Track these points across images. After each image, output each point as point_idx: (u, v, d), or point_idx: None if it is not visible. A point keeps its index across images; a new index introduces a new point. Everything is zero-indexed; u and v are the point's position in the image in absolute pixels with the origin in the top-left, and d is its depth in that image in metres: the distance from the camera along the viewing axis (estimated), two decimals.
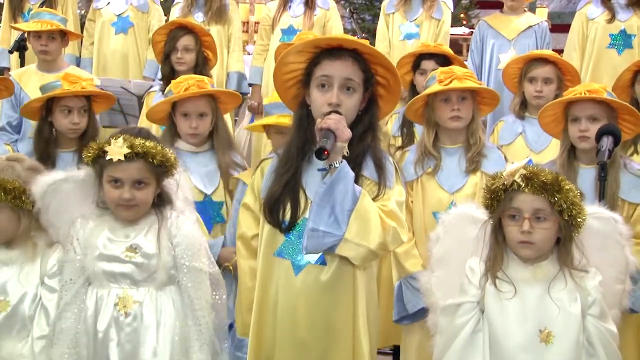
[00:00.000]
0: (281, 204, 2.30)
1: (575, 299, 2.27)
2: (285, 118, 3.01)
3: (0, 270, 2.52)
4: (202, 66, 4.20)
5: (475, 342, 2.31)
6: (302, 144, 2.33)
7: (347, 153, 2.22)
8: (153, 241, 2.47)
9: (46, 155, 3.36)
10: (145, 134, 2.51)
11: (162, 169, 2.47)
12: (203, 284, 2.50)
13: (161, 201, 2.54)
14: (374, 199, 2.26)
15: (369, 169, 2.30)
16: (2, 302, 2.49)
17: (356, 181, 2.25)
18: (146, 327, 2.43)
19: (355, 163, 2.25)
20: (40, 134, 3.42)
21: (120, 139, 2.41)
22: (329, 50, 2.30)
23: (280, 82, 2.39)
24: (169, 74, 4.09)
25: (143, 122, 4.23)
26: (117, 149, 2.40)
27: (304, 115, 2.35)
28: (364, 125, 2.32)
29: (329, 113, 2.22)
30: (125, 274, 2.44)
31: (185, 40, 4.17)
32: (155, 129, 3.85)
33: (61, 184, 2.52)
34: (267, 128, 3.21)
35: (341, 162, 2.20)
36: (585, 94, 2.99)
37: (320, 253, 2.26)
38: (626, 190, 2.98)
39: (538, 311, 2.27)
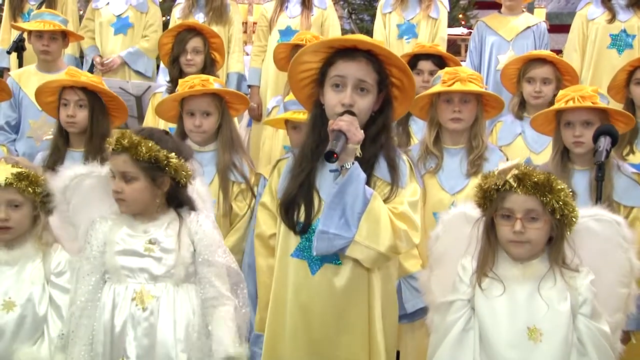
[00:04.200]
0: (296, 206, 2.31)
1: (565, 297, 2.27)
2: (299, 114, 3.12)
3: (2, 270, 2.54)
4: (209, 68, 4.24)
5: (466, 340, 2.31)
6: (316, 145, 2.33)
7: (360, 154, 2.22)
8: (173, 237, 2.50)
9: (57, 151, 3.40)
10: (156, 134, 2.51)
11: (150, 164, 2.45)
12: (224, 276, 2.53)
13: (174, 199, 2.55)
14: (386, 200, 2.26)
15: (381, 170, 2.30)
16: (8, 302, 2.50)
17: (368, 182, 2.25)
18: (163, 323, 2.45)
19: (368, 164, 2.26)
20: (57, 130, 3.47)
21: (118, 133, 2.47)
22: (344, 51, 2.30)
23: (295, 81, 2.40)
24: (178, 77, 4.09)
25: (148, 124, 4.25)
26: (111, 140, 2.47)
27: (318, 115, 2.36)
28: (378, 126, 2.32)
29: (342, 114, 2.22)
30: (144, 269, 2.47)
31: (195, 42, 4.21)
32: (164, 126, 3.87)
33: (83, 179, 2.55)
34: (285, 123, 3.36)
35: (353, 163, 2.20)
36: (577, 99, 2.97)
37: (334, 253, 2.27)
38: (620, 193, 2.99)
39: (527, 309, 2.27)
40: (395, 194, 2.28)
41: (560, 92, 3.11)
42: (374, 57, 2.30)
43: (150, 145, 2.44)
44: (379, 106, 2.33)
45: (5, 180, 2.51)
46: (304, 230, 2.31)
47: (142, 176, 2.47)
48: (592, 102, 2.97)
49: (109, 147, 2.46)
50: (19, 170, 2.54)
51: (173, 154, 2.48)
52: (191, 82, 3.27)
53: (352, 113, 2.23)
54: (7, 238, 2.56)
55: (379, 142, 2.31)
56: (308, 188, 2.31)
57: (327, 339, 2.30)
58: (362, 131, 2.23)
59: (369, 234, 2.20)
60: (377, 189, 2.27)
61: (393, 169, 2.30)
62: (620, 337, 2.38)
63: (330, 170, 2.27)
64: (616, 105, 3.84)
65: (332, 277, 2.29)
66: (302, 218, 2.31)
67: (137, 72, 5.35)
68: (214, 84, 3.29)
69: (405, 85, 2.38)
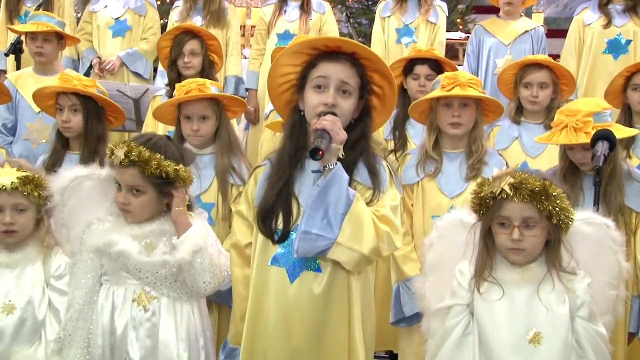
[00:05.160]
0: (274, 214, 2.27)
1: (564, 300, 2.28)
2: None
3: (3, 273, 2.55)
4: (208, 70, 4.22)
5: (465, 344, 2.32)
6: (294, 152, 2.29)
7: (343, 155, 2.19)
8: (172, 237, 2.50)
9: (56, 153, 3.40)
10: (162, 144, 2.51)
11: (159, 179, 2.46)
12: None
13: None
14: (367, 204, 2.23)
15: (361, 175, 2.27)
16: (8, 304, 2.52)
17: (349, 186, 2.21)
18: (165, 323, 2.46)
19: (348, 170, 2.21)
20: (56, 133, 3.47)
21: (124, 145, 2.46)
22: (327, 53, 2.27)
23: (274, 86, 2.36)
24: (176, 80, 4.07)
25: (148, 127, 4.25)
26: (118, 154, 2.46)
27: (297, 122, 2.31)
28: (357, 133, 2.28)
29: (325, 114, 2.19)
30: (143, 270, 2.46)
31: (192, 45, 4.20)
32: (162, 131, 3.86)
33: (83, 181, 2.56)
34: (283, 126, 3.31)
35: (336, 164, 2.17)
36: (570, 130, 2.92)
37: (315, 259, 2.23)
38: (632, 199, 2.96)
39: (526, 312, 2.28)
40: (377, 198, 2.24)
41: (557, 115, 3.07)
42: (357, 62, 2.27)
43: (159, 159, 2.44)
44: (358, 114, 2.30)
45: (11, 184, 2.52)
46: (282, 238, 2.26)
47: (150, 189, 2.49)
48: (585, 133, 2.91)
49: (116, 161, 2.45)
50: (24, 174, 2.56)
51: (180, 165, 2.48)
52: (188, 87, 3.25)
53: (333, 114, 2.20)
54: (12, 242, 2.58)
55: (359, 148, 2.28)
56: (286, 196, 2.27)
57: (307, 347, 2.26)
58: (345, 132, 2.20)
59: (352, 235, 2.15)
60: (358, 192, 2.22)
61: (373, 174, 2.27)
62: (610, 339, 2.39)
63: (313, 171, 2.24)
64: (613, 111, 3.87)
65: (312, 285, 2.24)
66: (280, 226, 2.26)
67: (136, 74, 5.35)
68: (210, 88, 3.27)
69: (386, 94, 2.34)
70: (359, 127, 2.29)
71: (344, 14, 7.88)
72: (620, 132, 3.01)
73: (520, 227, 2.27)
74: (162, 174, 2.45)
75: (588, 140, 2.90)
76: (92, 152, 3.30)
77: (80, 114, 3.37)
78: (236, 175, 3.24)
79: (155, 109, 3.50)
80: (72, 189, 2.55)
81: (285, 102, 2.37)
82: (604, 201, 2.86)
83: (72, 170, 2.58)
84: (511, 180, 2.27)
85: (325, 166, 2.17)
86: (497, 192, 2.27)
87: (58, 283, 2.57)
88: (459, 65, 4.96)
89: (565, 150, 3.05)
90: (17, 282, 2.54)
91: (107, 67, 5.26)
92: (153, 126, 4.19)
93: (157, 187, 2.48)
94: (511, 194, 2.25)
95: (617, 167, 2.93)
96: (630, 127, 3.66)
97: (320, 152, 2.10)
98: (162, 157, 2.46)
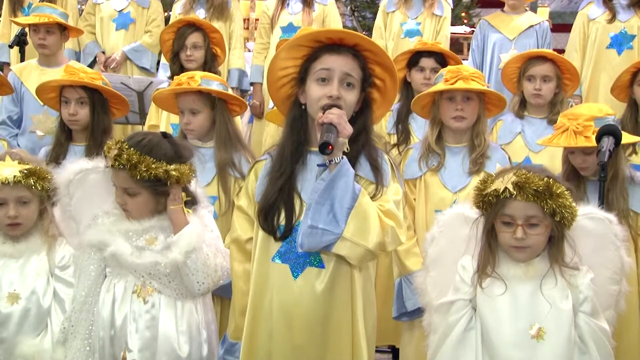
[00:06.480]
0: (276, 211, 2.25)
1: (567, 296, 2.28)
2: None
3: (7, 263, 2.58)
4: (210, 63, 4.22)
5: (467, 340, 2.31)
6: (295, 147, 2.27)
7: (348, 149, 2.17)
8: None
9: (59, 145, 3.39)
10: (154, 145, 2.48)
11: (151, 181, 2.45)
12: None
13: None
14: (371, 199, 2.21)
15: (363, 169, 2.25)
16: (12, 294, 2.54)
17: None
18: (165, 315, 2.47)
19: (350, 164, 2.19)
20: (59, 125, 3.46)
21: (115, 147, 2.44)
22: (329, 45, 2.25)
23: (274, 80, 2.33)
24: (179, 72, 4.06)
25: (151, 119, 4.25)
26: (111, 156, 2.45)
27: (298, 116, 2.29)
28: (358, 126, 2.25)
29: (330, 107, 2.17)
30: (145, 263, 2.47)
31: (194, 38, 4.20)
32: (166, 123, 3.84)
33: (88, 174, 2.57)
34: None
35: (342, 158, 2.15)
36: (571, 134, 2.93)
37: (318, 255, 2.22)
38: (636, 202, 2.96)
39: (530, 308, 2.27)
40: (380, 192, 2.23)
41: (560, 118, 3.07)
42: (359, 54, 2.26)
43: (149, 163, 2.42)
44: (358, 107, 2.28)
45: (14, 178, 2.54)
46: (285, 235, 2.24)
47: (143, 191, 2.48)
48: (585, 137, 2.91)
49: (108, 164, 2.46)
50: (27, 166, 2.57)
51: (173, 165, 2.46)
52: (178, 80, 3.22)
53: (338, 107, 2.18)
54: (17, 234, 2.61)
55: (360, 142, 2.26)
56: (289, 192, 2.24)
57: (310, 342, 2.25)
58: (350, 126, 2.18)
59: (357, 230, 2.13)
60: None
61: (376, 168, 2.25)
62: (612, 334, 2.38)
63: (318, 165, 2.21)
64: (619, 105, 3.86)
65: (315, 281, 2.22)
66: (282, 223, 2.24)
67: (142, 68, 5.35)
68: (199, 81, 3.19)
69: (388, 86, 2.33)
70: (360, 121, 2.27)
71: (349, 7, 7.88)
72: (624, 138, 2.98)
73: (523, 225, 2.26)
74: (151, 177, 2.43)
75: (587, 144, 2.90)
76: (98, 144, 3.29)
77: (87, 106, 3.36)
78: (236, 170, 3.20)
79: (154, 99, 3.48)
80: (77, 181, 2.56)
81: (284, 96, 2.34)
82: (607, 206, 2.85)
83: (77, 163, 2.59)
84: (514, 178, 2.25)
85: (331, 160, 2.15)
86: (501, 191, 2.26)
87: (63, 274, 2.59)
88: (463, 59, 4.95)
89: (568, 155, 3.04)
90: (21, 272, 2.57)
91: (111, 66, 5.27)
92: (156, 119, 4.19)
93: (150, 188, 2.48)
94: (515, 193, 2.24)
95: (619, 172, 2.93)
96: (636, 122, 3.67)
97: (331, 147, 2.09)
98: (152, 159, 2.43)
